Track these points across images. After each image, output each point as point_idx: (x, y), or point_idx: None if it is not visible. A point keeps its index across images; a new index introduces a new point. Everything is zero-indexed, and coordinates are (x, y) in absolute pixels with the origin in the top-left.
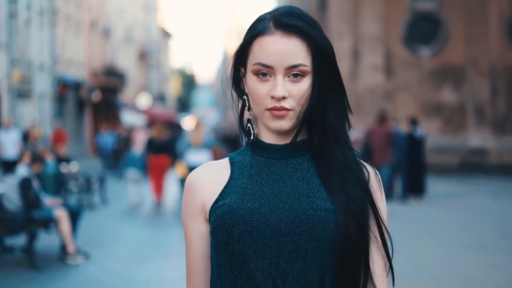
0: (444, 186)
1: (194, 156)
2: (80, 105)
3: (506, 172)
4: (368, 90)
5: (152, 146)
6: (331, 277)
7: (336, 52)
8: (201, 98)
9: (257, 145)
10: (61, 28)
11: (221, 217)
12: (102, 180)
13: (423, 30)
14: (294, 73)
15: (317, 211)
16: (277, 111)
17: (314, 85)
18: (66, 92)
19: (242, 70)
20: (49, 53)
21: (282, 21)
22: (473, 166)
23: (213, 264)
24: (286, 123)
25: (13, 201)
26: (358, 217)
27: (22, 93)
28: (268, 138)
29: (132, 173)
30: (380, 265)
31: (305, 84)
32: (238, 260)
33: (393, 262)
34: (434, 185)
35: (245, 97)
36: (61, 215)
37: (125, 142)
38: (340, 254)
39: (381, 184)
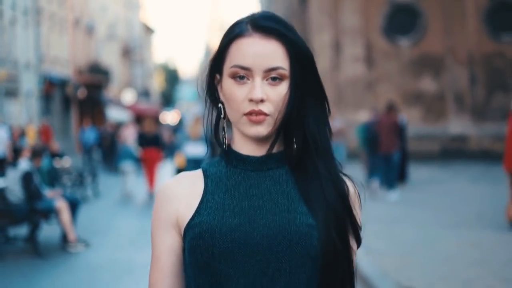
0: (426, 172)
1: (192, 148)
2: (66, 102)
3: (486, 157)
4: (350, 81)
5: (143, 140)
6: None
7: (317, 45)
8: (185, 93)
9: (232, 156)
10: (45, 26)
11: (200, 235)
12: (94, 174)
13: (402, 21)
14: (272, 76)
15: (300, 227)
16: (255, 116)
17: (292, 90)
18: (52, 89)
19: (218, 76)
20: (35, 52)
21: (260, 23)
22: (454, 152)
23: (191, 285)
24: (263, 129)
25: (16, 193)
26: (339, 229)
27: (9, 91)
28: (243, 148)
29: (126, 165)
30: (354, 263)
31: (283, 88)
32: (218, 280)
33: (375, 242)
34: (416, 172)
35: (220, 105)
36: (62, 205)
37: (111, 137)
38: (324, 268)
39: (360, 200)
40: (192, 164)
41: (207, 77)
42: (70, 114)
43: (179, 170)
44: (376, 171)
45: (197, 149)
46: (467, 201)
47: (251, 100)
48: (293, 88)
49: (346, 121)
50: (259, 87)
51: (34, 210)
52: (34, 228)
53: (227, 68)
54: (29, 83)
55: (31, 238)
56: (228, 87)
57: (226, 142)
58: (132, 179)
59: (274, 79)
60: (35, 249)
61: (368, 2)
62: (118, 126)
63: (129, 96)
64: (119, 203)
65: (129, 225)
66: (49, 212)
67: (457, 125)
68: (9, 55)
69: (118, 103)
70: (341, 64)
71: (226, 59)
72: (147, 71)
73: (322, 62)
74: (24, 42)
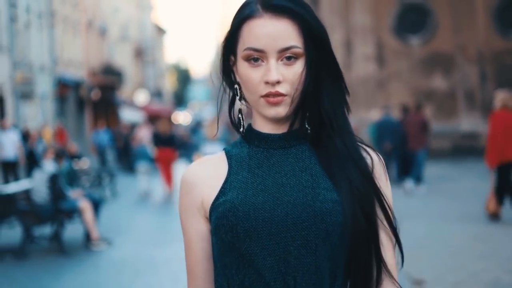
0: (438, 169)
1: (210, 148)
2: (80, 104)
3: None
4: (361, 80)
5: (158, 140)
6: (342, 270)
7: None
8: (197, 93)
9: (253, 135)
10: (59, 29)
11: (223, 214)
12: (112, 175)
13: (412, 20)
14: (287, 56)
15: (324, 203)
16: (273, 98)
17: (308, 68)
18: (66, 92)
19: (232, 58)
20: (49, 55)
21: (270, 2)
22: (465, 149)
23: (217, 264)
24: (282, 110)
25: (41, 194)
26: (365, 206)
27: (24, 94)
28: (264, 127)
29: (142, 165)
30: (389, 250)
31: (299, 66)
32: (245, 259)
33: None
34: (428, 169)
35: (236, 86)
36: (85, 205)
37: (125, 138)
38: (350, 245)
39: (385, 169)
40: None
41: (221, 59)
42: (84, 116)
43: None
44: (408, 170)
45: (215, 149)
46: (476, 197)
47: (267, 82)
48: (308, 66)
49: (359, 120)
50: (274, 69)
51: (59, 210)
52: (59, 227)
53: (240, 51)
54: (44, 86)
55: (56, 237)
56: (243, 70)
57: (243, 123)
58: (148, 179)
59: (289, 58)
60: (60, 248)
61: (379, 1)
62: (132, 127)
63: (142, 97)
64: (137, 202)
65: (149, 224)
66: (73, 212)
67: (468, 122)
68: (24, 58)
69: (131, 104)
70: (353, 63)
71: (239, 41)
72: (159, 72)
73: None
74: (39, 45)
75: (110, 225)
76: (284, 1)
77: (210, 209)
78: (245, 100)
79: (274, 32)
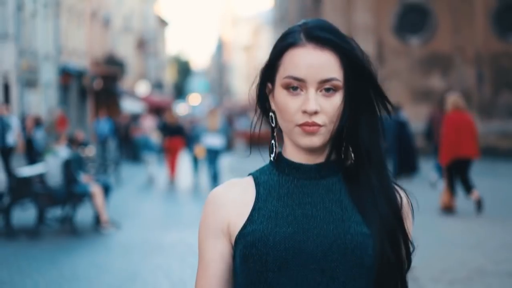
0: (429, 165)
1: (210, 139)
2: (83, 93)
3: (491, 153)
4: None
5: (167, 130)
6: None
7: None
8: (197, 85)
9: (284, 164)
10: (64, 19)
11: (253, 244)
12: (117, 163)
13: (412, 20)
14: (326, 87)
15: (354, 236)
16: (309, 127)
17: (347, 101)
18: (70, 80)
19: (269, 85)
20: (54, 44)
21: (314, 33)
22: None
23: None
24: (317, 140)
25: (55, 178)
26: (393, 242)
27: (29, 82)
28: (295, 156)
29: (148, 155)
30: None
31: (338, 99)
32: None
33: None
34: (425, 166)
35: (271, 114)
36: (96, 190)
37: (125, 128)
38: (378, 280)
39: (413, 211)
40: (211, 154)
41: (258, 86)
42: (86, 105)
43: (195, 160)
44: (405, 167)
45: (215, 141)
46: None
47: (304, 112)
48: (347, 99)
49: None
50: (313, 99)
51: (72, 194)
52: (72, 209)
53: (280, 78)
54: (48, 74)
55: (69, 218)
56: (281, 98)
57: (276, 150)
58: (154, 168)
59: (328, 90)
60: (72, 229)
61: (380, 1)
62: (132, 117)
63: (143, 88)
64: (141, 189)
65: (154, 209)
66: (84, 196)
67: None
68: (29, 46)
69: (132, 95)
70: None
71: (279, 69)
72: (160, 63)
73: None
74: (44, 34)
75: (116, 210)
76: (328, 34)
77: (237, 236)
78: (278, 129)
79: (316, 62)
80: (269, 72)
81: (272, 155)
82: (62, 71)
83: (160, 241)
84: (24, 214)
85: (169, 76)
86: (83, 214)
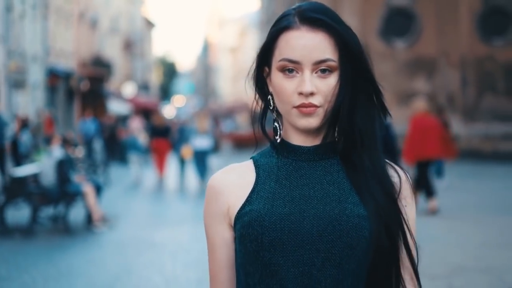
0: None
1: (199, 141)
2: (70, 94)
3: (475, 156)
4: None
5: (154, 132)
6: (364, 285)
7: None
8: (182, 86)
9: (283, 146)
10: (52, 20)
11: (249, 224)
12: (106, 164)
13: (397, 24)
14: (321, 68)
15: (351, 218)
16: (305, 108)
17: (342, 82)
18: (57, 82)
19: (267, 69)
20: (42, 45)
21: (308, 15)
22: None
23: (239, 272)
24: (314, 121)
25: (49, 178)
26: (389, 225)
27: (17, 83)
28: (294, 139)
29: (134, 155)
30: (409, 271)
31: (333, 80)
32: (268, 269)
33: None
34: (408, 169)
35: (269, 97)
36: (88, 189)
37: (110, 130)
38: (373, 262)
39: (412, 189)
40: (198, 156)
41: (255, 69)
42: (73, 106)
43: (182, 161)
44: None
45: (204, 142)
46: (453, 193)
47: (301, 93)
48: (342, 80)
49: None
50: (308, 80)
51: (65, 193)
52: (66, 208)
53: (275, 61)
54: (36, 75)
55: (63, 217)
56: (278, 81)
57: (280, 131)
58: (140, 168)
59: (323, 71)
60: (65, 227)
61: (366, 4)
62: (119, 119)
63: (129, 89)
64: (130, 190)
65: (143, 209)
66: (77, 195)
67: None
68: (18, 47)
69: (119, 96)
70: None
71: (275, 52)
72: (147, 65)
73: None
74: (32, 35)
75: (107, 210)
76: (321, 15)
77: (235, 217)
78: (277, 111)
79: (310, 44)
80: (265, 56)
81: (277, 137)
82: (50, 72)
83: (151, 239)
84: (18, 213)
85: (155, 78)
86: (75, 213)
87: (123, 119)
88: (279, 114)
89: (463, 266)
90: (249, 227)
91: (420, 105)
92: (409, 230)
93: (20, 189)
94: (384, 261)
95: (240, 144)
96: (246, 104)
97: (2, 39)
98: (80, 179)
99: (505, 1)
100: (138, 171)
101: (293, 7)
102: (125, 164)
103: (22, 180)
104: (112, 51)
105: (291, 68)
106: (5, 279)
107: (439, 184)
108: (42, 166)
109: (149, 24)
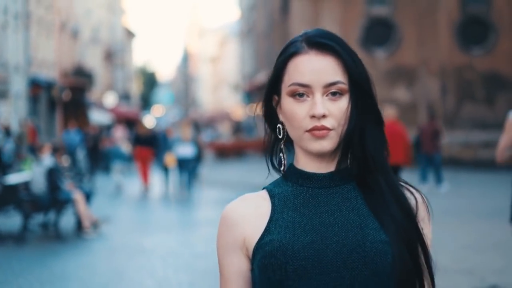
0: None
1: (182, 149)
2: (52, 104)
3: (454, 163)
4: None
5: (138, 140)
6: None
7: None
8: (162, 96)
9: (297, 174)
10: (34, 31)
11: (271, 253)
12: (91, 173)
13: (377, 33)
14: (332, 91)
15: (374, 244)
16: (318, 131)
17: (353, 105)
18: (39, 92)
19: (276, 97)
20: (24, 55)
21: (315, 40)
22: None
23: None
24: (327, 144)
25: (39, 186)
26: (410, 247)
27: (0, 93)
28: (308, 166)
29: (118, 164)
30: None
31: (344, 102)
32: None
33: None
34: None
35: (279, 125)
36: (78, 196)
37: (94, 140)
38: (397, 286)
39: (429, 210)
40: (181, 163)
41: (264, 100)
42: (55, 116)
43: (166, 168)
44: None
45: (187, 150)
46: (434, 199)
47: (313, 117)
48: (353, 103)
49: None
50: (320, 103)
51: (56, 200)
52: (57, 215)
53: (285, 87)
54: (18, 85)
55: (55, 224)
56: (288, 106)
57: (285, 162)
58: (122, 176)
59: (334, 94)
60: (57, 234)
61: (347, 14)
62: (100, 128)
63: (110, 99)
64: (115, 198)
65: (130, 216)
66: (67, 202)
67: (417, 132)
68: (0, 58)
69: (100, 106)
70: None
71: (284, 78)
72: (127, 75)
73: None
74: (14, 45)
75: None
76: (328, 40)
77: (254, 248)
78: (286, 141)
79: (320, 67)
80: (274, 85)
81: (282, 168)
82: (32, 82)
83: (141, 244)
84: (9, 221)
85: (136, 88)
86: (65, 220)
87: (105, 129)
88: (288, 145)
89: (445, 268)
90: (272, 256)
91: (389, 112)
92: (428, 249)
93: (12, 196)
94: (408, 283)
95: (222, 153)
96: (227, 114)
97: None
98: (70, 187)
99: (484, 10)
100: (121, 180)
101: (299, 34)
102: (108, 173)
103: (13, 188)
104: (93, 61)
105: (301, 92)
106: (1, 283)
107: (440, 189)
108: (32, 174)
109: (130, 34)
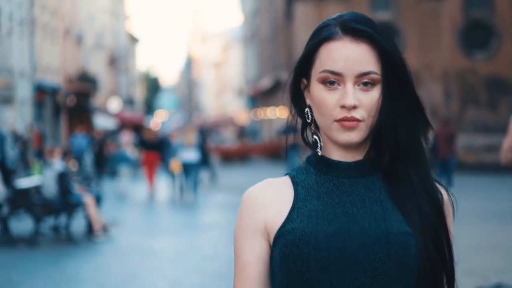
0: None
1: (186, 154)
2: (57, 109)
3: (458, 167)
4: None
5: (145, 145)
6: None
7: None
8: (165, 101)
9: (322, 162)
10: (38, 36)
11: (293, 243)
12: (98, 177)
13: None
14: (364, 81)
15: (398, 236)
16: (347, 122)
17: (385, 95)
18: (44, 97)
19: (304, 81)
20: (29, 61)
21: (350, 25)
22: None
23: None
24: (356, 135)
25: (50, 190)
26: (436, 239)
27: (5, 99)
28: (334, 154)
29: (123, 168)
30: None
31: (376, 93)
32: None
33: None
34: None
35: (307, 109)
36: (89, 200)
37: (99, 144)
38: (421, 279)
39: (454, 209)
40: (186, 168)
41: (292, 81)
42: (60, 121)
43: (172, 174)
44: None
45: (191, 155)
46: None
47: (343, 107)
48: (385, 93)
49: None
50: (351, 93)
51: (67, 204)
52: (69, 219)
53: (315, 73)
54: (24, 91)
55: (66, 227)
56: (318, 93)
57: (321, 144)
58: (128, 180)
59: (366, 84)
60: (68, 237)
61: None
62: (105, 133)
63: (115, 104)
64: (122, 202)
65: (138, 219)
66: (78, 206)
67: (432, 136)
68: (5, 64)
69: (105, 111)
70: None
71: (315, 63)
72: (131, 80)
73: None
74: (20, 51)
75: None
76: (364, 26)
77: (275, 235)
78: (315, 125)
79: (353, 55)
80: (304, 67)
81: (318, 150)
82: (37, 88)
83: (151, 247)
84: (20, 224)
85: (139, 93)
86: (75, 224)
87: (110, 134)
88: (317, 128)
89: None
90: (294, 246)
91: None
92: (451, 244)
93: (24, 200)
94: (432, 277)
95: (227, 158)
96: (231, 118)
97: None
98: (81, 190)
99: (486, 15)
100: (126, 184)
101: (333, 17)
102: (114, 177)
103: (25, 192)
104: (97, 67)
105: (332, 80)
106: (17, 284)
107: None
108: (43, 179)
109: (133, 40)
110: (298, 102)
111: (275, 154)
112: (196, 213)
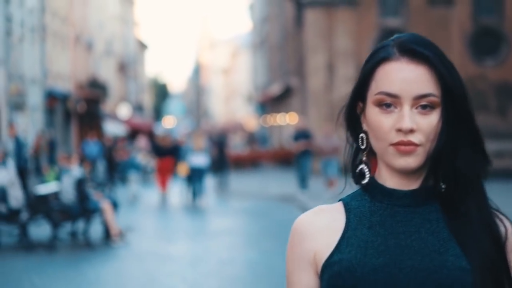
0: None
1: (195, 158)
2: (67, 116)
3: None
4: (342, 100)
5: (159, 151)
6: None
7: (312, 66)
8: (173, 108)
9: (377, 189)
10: (49, 43)
11: (339, 274)
12: (111, 183)
13: None
14: (422, 104)
15: (452, 271)
16: (404, 146)
17: (445, 119)
18: (55, 104)
19: (360, 104)
20: (40, 68)
21: (408, 47)
22: None
23: None
24: (413, 161)
25: (68, 195)
26: (496, 276)
27: (17, 105)
28: (389, 181)
29: (133, 174)
30: None
31: (435, 117)
32: None
33: None
34: None
35: (362, 135)
36: (106, 206)
37: (109, 151)
38: None
39: None
40: (196, 172)
41: (348, 105)
42: (70, 128)
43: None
44: None
45: (200, 160)
46: None
47: (399, 130)
48: (445, 118)
49: (340, 137)
50: (408, 116)
51: (85, 209)
52: (87, 224)
53: (371, 95)
54: (35, 98)
55: (84, 233)
56: (373, 116)
57: (368, 174)
58: (136, 186)
59: (424, 107)
60: (86, 242)
61: (360, 26)
62: (116, 140)
63: (124, 111)
64: (136, 207)
65: (152, 225)
66: (95, 211)
67: None
68: (17, 71)
69: (115, 117)
70: (334, 84)
71: (371, 85)
72: (140, 86)
73: (317, 82)
74: (31, 58)
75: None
76: (423, 48)
77: (323, 266)
78: (369, 152)
79: (411, 77)
80: (360, 90)
81: (364, 181)
82: (48, 94)
83: (168, 251)
84: (38, 230)
85: (148, 99)
86: (92, 229)
87: (121, 140)
88: (369, 155)
89: None
90: (339, 278)
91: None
92: None
93: (42, 206)
94: None
95: (237, 163)
96: (240, 125)
97: (2, 63)
98: (98, 196)
99: (496, 21)
100: (137, 190)
101: (392, 38)
102: (125, 183)
103: (44, 198)
104: (107, 73)
105: (389, 102)
106: (39, 287)
107: None
108: (61, 185)
109: (142, 46)
110: (354, 128)
111: (285, 160)
112: (209, 218)
